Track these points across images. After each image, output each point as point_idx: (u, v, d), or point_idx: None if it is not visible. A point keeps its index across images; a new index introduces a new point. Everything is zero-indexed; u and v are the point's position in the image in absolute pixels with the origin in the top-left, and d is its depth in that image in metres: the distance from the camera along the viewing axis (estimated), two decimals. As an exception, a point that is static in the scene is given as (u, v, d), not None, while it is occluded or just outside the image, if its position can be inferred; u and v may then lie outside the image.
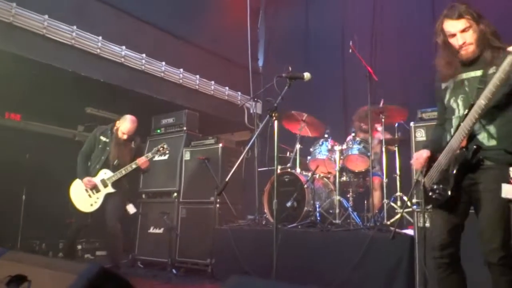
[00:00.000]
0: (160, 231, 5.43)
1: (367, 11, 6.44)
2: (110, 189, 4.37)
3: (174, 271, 4.90)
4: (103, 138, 4.51)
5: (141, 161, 4.43)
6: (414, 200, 3.64)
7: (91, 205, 4.36)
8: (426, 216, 3.45)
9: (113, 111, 6.33)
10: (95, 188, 4.36)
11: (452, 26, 2.22)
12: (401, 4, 6.12)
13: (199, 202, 5.27)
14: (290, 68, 3.09)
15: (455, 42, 2.23)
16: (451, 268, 2.26)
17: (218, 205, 5.00)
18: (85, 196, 4.37)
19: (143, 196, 5.84)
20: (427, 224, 3.45)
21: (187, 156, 5.55)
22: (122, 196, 4.53)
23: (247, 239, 4.49)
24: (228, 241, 4.52)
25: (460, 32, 2.20)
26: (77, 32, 4.95)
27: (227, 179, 2.51)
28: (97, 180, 4.38)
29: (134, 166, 4.40)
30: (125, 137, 4.52)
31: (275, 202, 2.60)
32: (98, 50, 5.17)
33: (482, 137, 2.18)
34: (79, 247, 5.86)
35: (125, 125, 4.52)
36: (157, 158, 4.73)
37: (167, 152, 4.64)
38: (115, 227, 4.38)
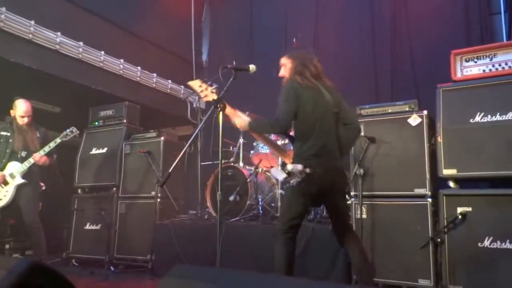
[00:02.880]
0: (97, 227, 5.21)
1: (310, 8, 6.58)
2: (19, 180, 4.21)
3: (112, 268, 4.73)
4: (3, 133, 4.35)
5: (36, 157, 4.24)
6: (352, 193, 3.78)
7: (0, 199, 4.18)
8: (363, 208, 3.62)
9: (46, 101, 5.95)
10: (3, 182, 4.20)
11: None
12: (343, 3, 6.32)
13: (139, 196, 5.12)
14: (234, 63, 3.08)
15: None
16: None
17: (159, 200, 4.88)
18: None
19: (79, 191, 5.55)
20: (364, 216, 3.62)
21: (127, 149, 5.36)
22: (35, 189, 4.37)
23: (188, 234, 4.44)
24: (169, 236, 4.45)
25: None
26: (7, 15, 4.58)
27: (170, 170, 2.46)
28: (5, 173, 4.22)
29: (42, 153, 4.27)
30: (25, 120, 4.34)
31: (219, 194, 2.59)
32: (31, 35, 4.82)
33: None
34: (7, 246, 5.47)
35: (20, 108, 4.34)
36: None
37: (77, 135, 4.57)
38: (34, 222, 4.21)
